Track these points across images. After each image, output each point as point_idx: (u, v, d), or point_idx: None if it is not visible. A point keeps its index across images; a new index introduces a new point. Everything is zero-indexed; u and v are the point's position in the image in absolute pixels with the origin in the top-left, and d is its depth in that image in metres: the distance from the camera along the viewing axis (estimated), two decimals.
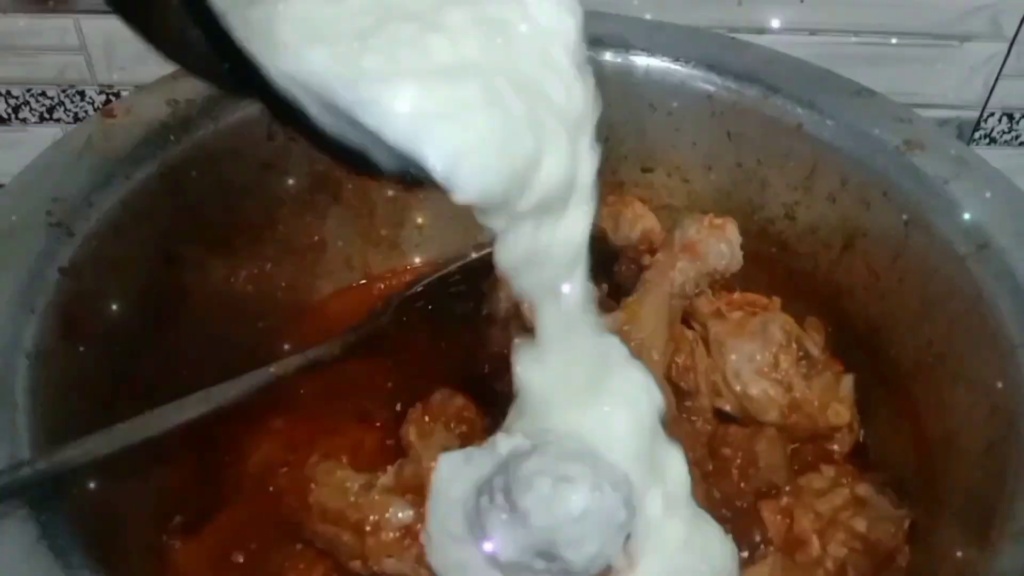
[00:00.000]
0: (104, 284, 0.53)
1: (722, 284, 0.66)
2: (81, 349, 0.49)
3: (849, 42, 0.86)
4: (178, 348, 0.61)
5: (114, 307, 0.54)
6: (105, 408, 0.50)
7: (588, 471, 0.44)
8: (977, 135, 0.96)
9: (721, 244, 0.64)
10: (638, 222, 0.69)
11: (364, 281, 0.77)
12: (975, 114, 0.95)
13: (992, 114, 0.95)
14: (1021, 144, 0.97)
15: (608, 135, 0.70)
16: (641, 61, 0.69)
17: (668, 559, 0.48)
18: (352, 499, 0.51)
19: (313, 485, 0.51)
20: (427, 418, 0.58)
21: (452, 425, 0.58)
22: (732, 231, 0.64)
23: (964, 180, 0.57)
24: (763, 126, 0.66)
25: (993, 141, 0.96)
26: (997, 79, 0.91)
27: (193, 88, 0.61)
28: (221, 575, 0.54)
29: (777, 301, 0.64)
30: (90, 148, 0.55)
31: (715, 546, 0.49)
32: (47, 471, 0.37)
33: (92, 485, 0.43)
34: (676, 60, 0.68)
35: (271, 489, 0.58)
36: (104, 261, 0.53)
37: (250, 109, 0.63)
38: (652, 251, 0.68)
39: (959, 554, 0.46)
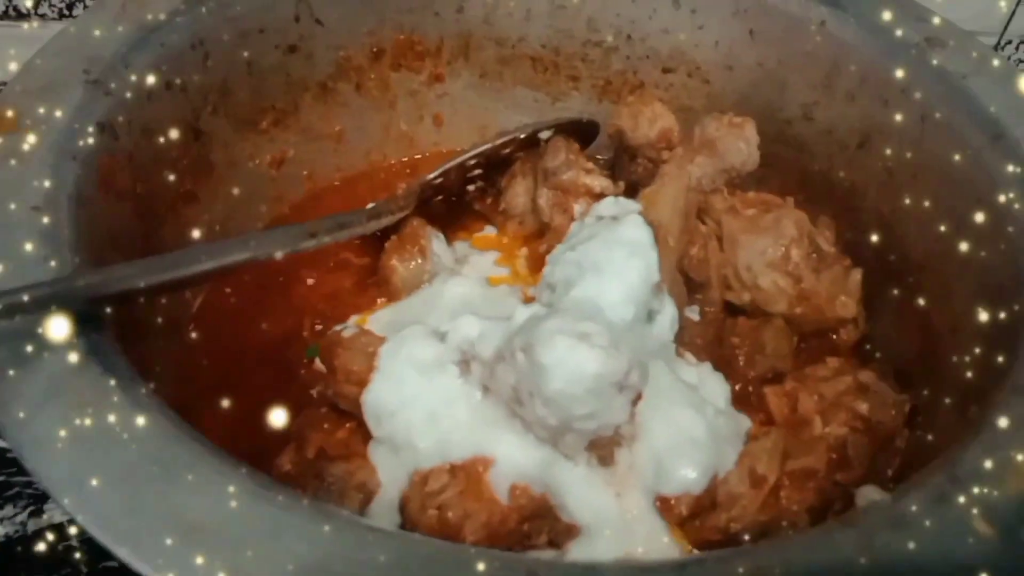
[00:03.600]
0: (137, 146, 0.54)
1: (737, 184, 0.68)
2: (115, 202, 0.51)
3: None
4: (200, 221, 0.62)
5: (144, 169, 0.55)
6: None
7: (605, 331, 0.46)
8: None
9: (739, 142, 0.65)
10: (657, 121, 0.70)
11: (382, 175, 0.78)
12: (993, 40, 0.95)
13: (1010, 41, 0.95)
14: None
15: (630, 33, 0.72)
16: None
17: (669, 419, 0.51)
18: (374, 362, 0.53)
19: (339, 350, 0.53)
20: (407, 245, 0.63)
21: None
22: (750, 130, 0.65)
23: (982, 76, 0.58)
24: (786, 24, 0.66)
25: None
26: (1017, 6, 0.92)
27: None
28: (248, 437, 0.56)
29: (790, 200, 0.66)
30: (125, 14, 0.56)
31: (712, 387, 0.52)
32: (91, 287, 0.39)
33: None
34: None
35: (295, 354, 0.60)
36: (137, 123, 0.54)
37: None
38: (670, 149, 0.69)
39: (962, 412, 0.47)
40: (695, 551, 0.48)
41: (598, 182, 0.67)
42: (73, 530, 0.59)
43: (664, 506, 0.48)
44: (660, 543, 0.47)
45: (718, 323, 0.63)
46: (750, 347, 0.62)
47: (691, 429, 0.51)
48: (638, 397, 0.47)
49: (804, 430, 0.57)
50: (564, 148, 0.68)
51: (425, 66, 0.74)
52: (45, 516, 0.60)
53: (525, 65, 0.75)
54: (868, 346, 0.64)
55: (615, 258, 0.53)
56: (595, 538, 0.47)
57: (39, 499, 0.61)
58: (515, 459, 0.48)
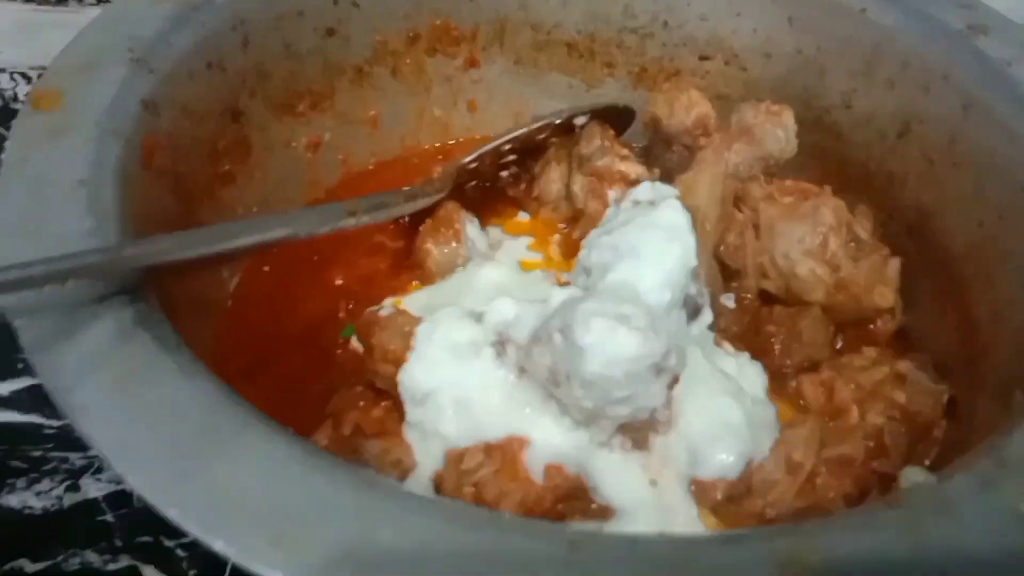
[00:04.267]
0: (177, 125, 0.54)
1: (774, 172, 0.67)
2: (156, 180, 0.51)
3: None
4: (237, 202, 0.63)
5: (184, 148, 0.55)
6: None
7: (643, 313, 0.46)
8: None
9: (778, 130, 0.65)
10: (693, 108, 0.70)
11: (416, 160, 0.78)
12: None
13: None
14: None
15: (667, 20, 0.72)
16: None
17: (706, 404, 0.50)
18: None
19: (376, 329, 0.53)
20: (441, 228, 0.63)
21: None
22: (788, 118, 0.65)
23: None
24: (826, 10, 0.66)
25: None
26: None
27: None
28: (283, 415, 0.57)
29: (828, 188, 0.65)
30: None
31: (750, 376, 0.52)
32: (136, 257, 0.39)
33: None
34: None
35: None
36: (178, 102, 0.55)
37: None
38: (706, 136, 0.69)
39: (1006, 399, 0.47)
40: None
41: (633, 169, 0.67)
42: (108, 506, 0.60)
43: (699, 489, 0.48)
44: (696, 528, 0.47)
45: (754, 311, 0.63)
46: (786, 336, 0.61)
47: (728, 415, 0.51)
48: (675, 381, 0.47)
49: (841, 419, 0.56)
50: (599, 134, 0.68)
51: (460, 51, 0.74)
52: (81, 491, 0.61)
53: (560, 51, 0.75)
54: (906, 336, 0.63)
55: (652, 241, 0.53)
56: (630, 521, 0.46)
57: (76, 474, 0.62)
58: (550, 440, 0.48)
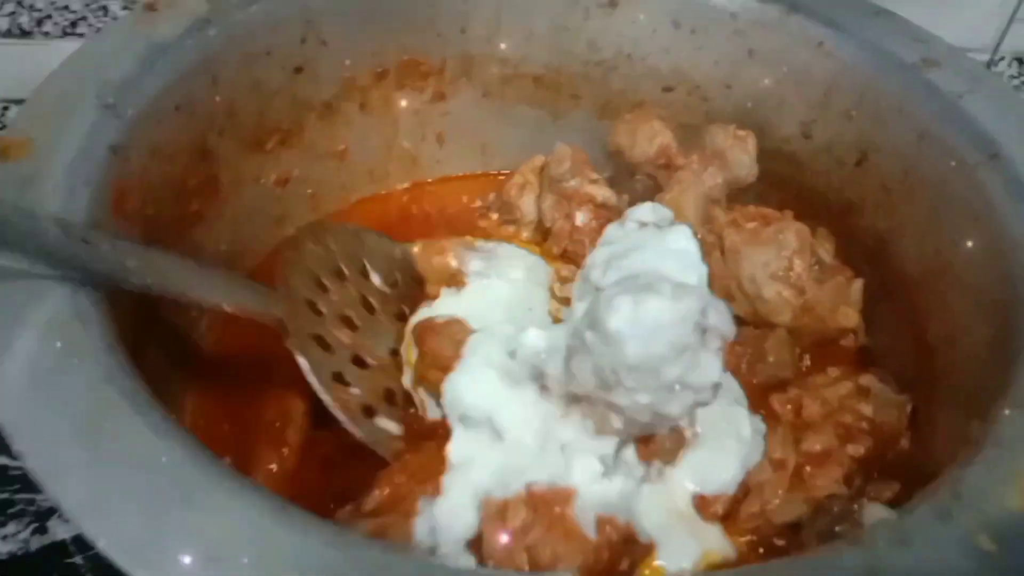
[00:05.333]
0: (146, 168, 0.55)
1: (735, 196, 0.69)
2: (126, 225, 0.51)
3: None
4: (207, 241, 0.63)
5: (153, 191, 0.55)
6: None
7: (667, 283, 0.44)
8: None
9: (743, 155, 0.67)
10: (655, 137, 0.71)
11: (385, 192, 0.79)
12: (986, 57, 0.96)
13: (1003, 58, 0.96)
14: None
15: (631, 53, 0.73)
16: None
17: (715, 417, 0.51)
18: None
19: (432, 334, 0.53)
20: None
21: None
22: (752, 143, 0.67)
23: (977, 94, 0.59)
24: (785, 44, 0.67)
25: None
26: (1009, 23, 0.93)
27: None
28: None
29: (789, 213, 0.66)
30: (135, 37, 0.57)
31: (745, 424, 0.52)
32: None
33: None
34: None
35: None
36: (148, 145, 0.55)
37: (285, 11, 0.65)
38: (668, 166, 0.70)
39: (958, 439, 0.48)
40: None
41: (601, 192, 0.68)
42: (76, 548, 0.60)
43: (702, 505, 0.49)
44: (720, 542, 0.48)
45: None
46: (752, 356, 0.62)
47: (737, 428, 0.52)
48: (725, 344, 0.45)
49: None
50: (570, 156, 0.70)
51: (428, 85, 0.75)
52: (48, 533, 0.61)
53: (527, 84, 0.76)
54: (869, 355, 0.65)
55: (672, 270, 0.53)
56: (672, 553, 0.46)
57: (43, 516, 0.61)
58: (595, 488, 0.45)
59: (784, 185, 0.71)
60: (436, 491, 0.46)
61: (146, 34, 0.57)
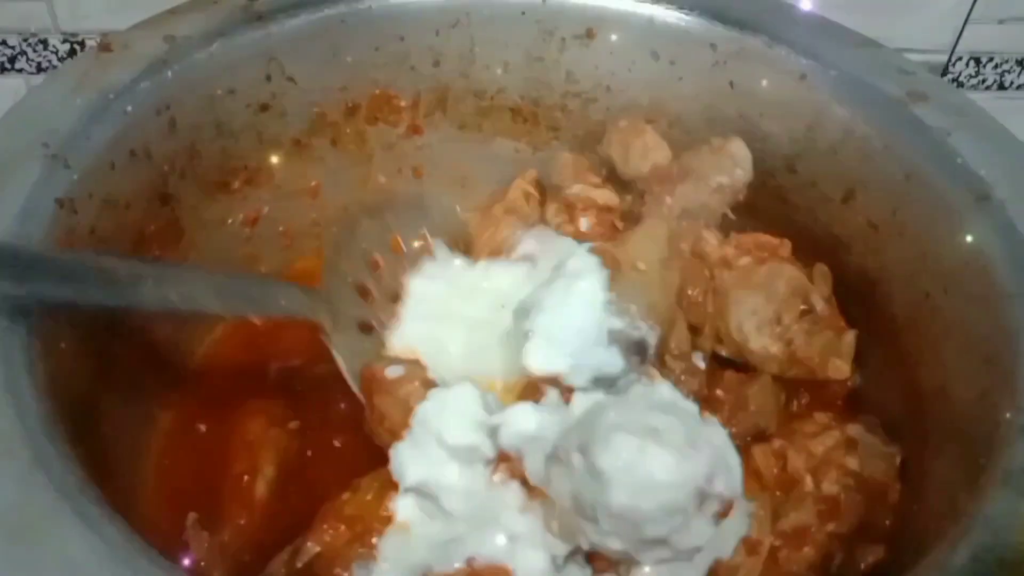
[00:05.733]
0: (99, 218, 0.53)
1: (739, 201, 0.67)
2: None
3: None
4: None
5: (108, 241, 0.53)
6: (101, 356, 0.51)
7: (678, 423, 0.40)
8: (945, 79, 0.95)
9: (724, 160, 0.65)
10: (649, 154, 0.68)
11: None
12: (944, 58, 0.94)
13: (960, 58, 0.94)
14: (987, 88, 0.97)
15: (610, 85, 0.71)
16: (644, 10, 0.68)
17: None
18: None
19: (380, 392, 0.51)
20: None
21: None
22: (737, 145, 0.65)
23: (965, 132, 0.57)
24: (766, 76, 0.65)
25: (961, 85, 0.96)
26: (965, 24, 0.91)
27: (190, 25, 0.61)
28: None
29: (787, 244, 0.64)
30: (86, 82, 0.54)
31: None
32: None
33: None
34: (680, 9, 0.67)
35: None
36: (99, 195, 0.53)
37: (248, 48, 0.62)
38: (663, 182, 0.67)
39: (949, 494, 0.46)
40: None
41: (603, 195, 0.67)
42: None
43: None
44: None
45: (708, 372, 0.62)
46: (733, 404, 0.60)
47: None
48: (727, 509, 0.42)
49: (795, 490, 0.55)
50: (572, 163, 0.69)
51: (402, 119, 0.73)
52: None
53: (505, 116, 0.74)
54: (857, 396, 0.62)
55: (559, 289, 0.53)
56: None
57: None
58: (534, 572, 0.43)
59: (771, 220, 0.68)
60: (371, 553, 0.43)
61: (98, 78, 0.55)
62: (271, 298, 0.54)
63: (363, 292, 0.60)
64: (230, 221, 0.67)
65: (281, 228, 0.71)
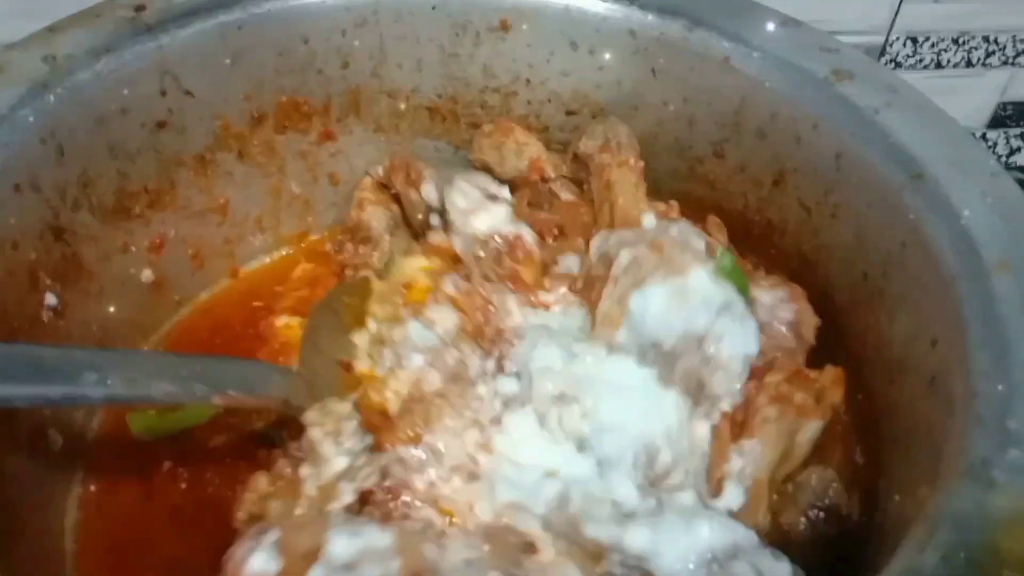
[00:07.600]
0: None
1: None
2: None
3: None
4: (75, 326, 0.56)
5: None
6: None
7: None
8: (883, 60, 0.96)
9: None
10: (523, 151, 0.67)
11: (287, 251, 0.73)
12: (880, 39, 0.95)
13: (897, 39, 0.95)
14: (925, 68, 0.98)
15: (529, 77, 0.68)
16: None
17: None
18: None
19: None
20: None
21: None
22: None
23: (895, 109, 0.56)
24: (688, 61, 0.63)
25: (898, 65, 0.97)
26: (901, 4, 0.91)
27: (73, 42, 0.56)
28: None
29: (675, 205, 0.62)
30: None
31: None
32: None
33: None
34: None
35: None
36: None
37: (138, 63, 0.58)
38: (545, 180, 0.67)
39: (910, 488, 0.45)
40: None
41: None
42: None
43: None
44: None
45: None
46: None
47: None
48: None
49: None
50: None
51: (313, 126, 0.69)
52: None
53: (422, 115, 0.71)
54: None
55: None
56: None
57: None
58: None
59: (702, 207, 0.66)
60: None
61: None
62: (239, 380, 0.49)
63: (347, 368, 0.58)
64: (134, 249, 0.62)
65: (191, 251, 0.67)
